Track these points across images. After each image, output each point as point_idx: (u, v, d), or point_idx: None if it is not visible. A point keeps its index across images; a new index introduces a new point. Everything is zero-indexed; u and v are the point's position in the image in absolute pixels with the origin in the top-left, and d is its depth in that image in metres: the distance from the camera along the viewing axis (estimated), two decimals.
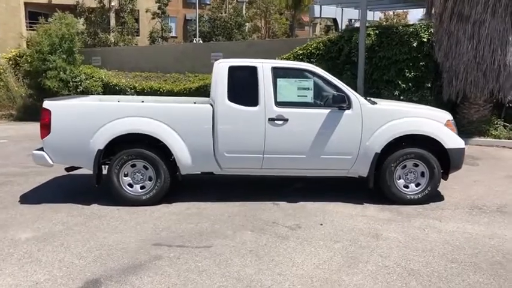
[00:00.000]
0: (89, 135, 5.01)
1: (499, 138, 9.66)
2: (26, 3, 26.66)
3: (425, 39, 10.50)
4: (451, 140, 5.19)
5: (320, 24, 38.52)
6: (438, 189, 5.36)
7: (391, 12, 31.51)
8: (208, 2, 33.97)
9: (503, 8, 9.09)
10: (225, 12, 29.32)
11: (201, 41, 24.89)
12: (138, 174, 5.16)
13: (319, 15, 16.66)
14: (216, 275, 3.45)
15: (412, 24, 11.25)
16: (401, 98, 10.33)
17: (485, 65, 9.39)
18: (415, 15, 73.80)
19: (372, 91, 10.57)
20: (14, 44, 20.04)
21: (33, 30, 19.67)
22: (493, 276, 3.45)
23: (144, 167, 5.14)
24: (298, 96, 5.27)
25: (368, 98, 5.57)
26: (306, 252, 3.88)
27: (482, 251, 3.92)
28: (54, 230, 4.40)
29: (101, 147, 5.00)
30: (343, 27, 15.81)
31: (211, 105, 5.16)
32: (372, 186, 5.24)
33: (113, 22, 26.05)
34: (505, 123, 10.02)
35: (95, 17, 24.62)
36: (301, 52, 11.86)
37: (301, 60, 11.32)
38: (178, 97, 9.51)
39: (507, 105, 10.04)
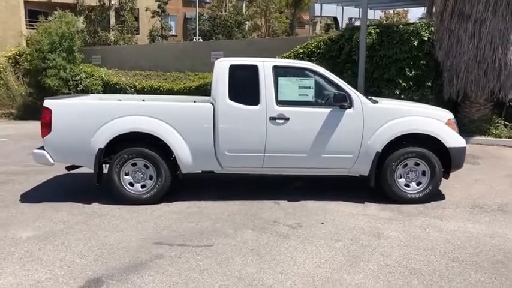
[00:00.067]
0: (90, 134, 5.00)
1: (500, 137, 9.66)
2: (25, 2, 26.62)
3: (426, 38, 10.48)
4: (452, 139, 5.19)
5: (320, 22, 38.52)
6: (439, 188, 5.36)
7: (391, 11, 31.49)
8: (208, 1, 33.93)
9: (504, 7, 9.08)
10: (225, 11, 29.29)
11: (201, 40, 24.88)
12: (138, 173, 5.15)
13: (319, 14, 16.64)
14: (217, 274, 3.45)
15: (413, 23, 11.23)
16: (402, 96, 10.32)
17: (486, 63, 9.38)
18: (415, 13, 73.85)
19: (373, 90, 10.55)
20: (14, 42, 20.02)
21: (33, 28, 19.66)
22: (495, 275, 3.45)
23: (145, 165, 5.14)
24: (299, 95, 5.25)
25: (369, 97, 5.56)
26: (307, 251, 3.88)
27: (483, 250, 3.91)
28: (55, 229, 4.39)
29: (102, 146, 4.99)
30: (344, 25, 15.80)
31: (212, 104, 5.15)
32: (373, 185, 5.24)
33: (112, 21, 26.02)
34: (506, 122, 10.01)
35: (94, 15, 24.57)
36: (301, 51, 11.83)
37: (302, 58, 11.30)
38: (179, 96, 9.51)
39: (508, 104, 10.04)
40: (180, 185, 5.59)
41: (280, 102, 5.12)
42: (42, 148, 5.16)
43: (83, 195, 5.42)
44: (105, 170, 5.26)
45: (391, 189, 5.19)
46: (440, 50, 9.96)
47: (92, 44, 22.57)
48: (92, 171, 5.10)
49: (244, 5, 31.94)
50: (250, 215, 4.81)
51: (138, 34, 28.56)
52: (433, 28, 10.47)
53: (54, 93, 13.01)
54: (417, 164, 5.21)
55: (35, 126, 9.22)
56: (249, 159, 5.20)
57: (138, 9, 28.52)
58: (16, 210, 4.99)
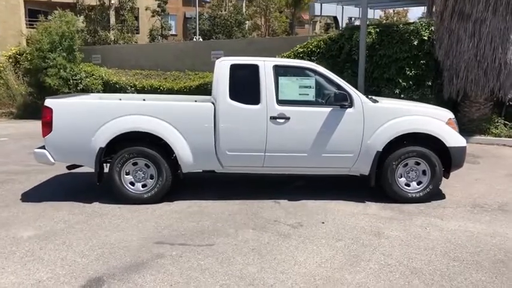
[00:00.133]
0: (91, 133, 5.00)
1: (500, 137, 9.67)
2: (25, 1, 26.63)
3: (426, 38, 10.48)
4: (452, 138, 5.19)
5: (320, 22, 38.52)
6: (440, 187, 5.37)
7: (391, 10, 31.49)
8: (208, 0, 33.92)
9: (504, 7, 9.08)
10: (225, 10, 29.28)
11: (201, 39, 24.89)
12: (139, 172, 5.16)
13: (319, 13, 16.63)
14: (218, 273, 3.46)
15: (413, 23, 11.24)
16: (402, 96, 10.33)
17: (486, 63, 9.39)
18: (415, 13, 73.82)
19: (373, 89, 10.56)
20: (14, 42, 20.01)
21: (33, 28, 19.65)
22: (496, 275, 3.45)
23: (146, 165, 5.14)
24: (299, 94, 5.26)
25: (369, 96, 5.56)
26: (308, 251, 3.89)
27: (484, 250, 3.92)
28: (56, 228, 4.40)
29: (103, 145, 5.00)
30: (344, 25, 15.80)
31: (213, 103, 5.15)
32: (373, 184, 5.24)
33: (112, 20, 26.01)
34: (506, 122, 10.02)
35: (94, 14, 24.56)
36: (301, 50, 11.84)
37: (302, 58, 11.31)
38: (179, 95, 9.51)
39: (507, 103, 10.05)
40: (180, 185, 5.59)
41: (280, 102, 5.13)
42: (43, 147, 5.16)
43: (84, 194, 5.42)
44: (106, 170, 5.26)
45: (392, 189, 5.19)
46: (440, 49, 9.97)
47: (92, 43, 22.58)
48: (92, 170, 5.10)
49: (244, 5, 31.93)
50: (251, 215, 4.81)
51: (138, 33, 28.57)
52: (433, 28, 10.48)
53: (54, 92, 13.01)
54: (417, 164, 5.22)
55: (35, 125, 9.23)
56: (250, 159, 5.20)
57: (138, 8, 28.52)
58: (17, 209, 4.99)
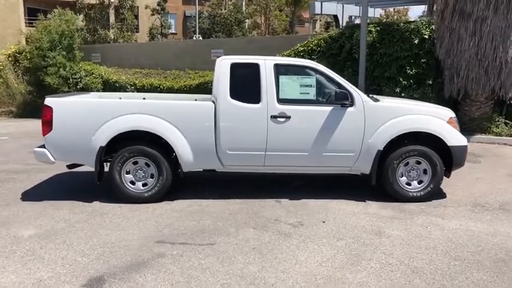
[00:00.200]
0: (91, 132, 4.99)
1: (500, 136, 9.66)
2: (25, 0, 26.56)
3: (426, 36, 10.46)
4: (453, 137, 5.19)
5: (320, 21, 38.46)
6: (441, 186, 5.36)
7: (391, 9, 31.45)
8: None
9: (506, 5, 9.06)
10: (225, 9, 29.23)
11: (200, 38, 24.87)
12: (140, 171, 5.15)
13: (319, 12, 16.63)
14: (219, 273, 3.45)
15: (414, 21, 11.22)
16: (403, 95, 10.30)
17: (486, 62, 9.37)
18: (415, 11, 73.75)
19: (373, 88, 10.54)
20: (13, 40, 19.95)
21: (32, 26, 19.62)
22: (497, 274, 3.45)
23: (146, 164, 5.13)
24: (300, 93, 5.25)
25: (370, 95, 5.55)
26: (309, 250, 3.88)
27: (485, 249, 3.91)
28: (56, 227, 4.39)
29: (103, 144, 4.99)
30: (344, 24, 15.78)
31: (214, 102, 5.14)
32: (374, 183, 5.23)
33: (112, 18, 25.96)
34: (507, 121, 10.01)
35: (94, 13, 24.51)
36: (302, 49, 11.82)
37: (302, 57, 11.29)
38: (179, 94, 9.49)
39: (508, 102, 10.03)
40: (181, 184, 5.59)
41: (281, 101, 5.12)
42: (43, 146, 5.16)
43: (84, 193, 5.41)
44: (106, 169, 5.25)
45: (393, 188, 5.19)
46: (441, 48, 9.95)
47: (92, 42, 22.54)
48: (93, 169, 5.10)
49: (244, 3, 31.85)
50: (251, 214, 4.81)
51: (137, 32, 28.52)
52: (433, 26, 10.45)
53: (54, 91, 12.99)
54: (418, 163, 5.21)
55: (35, 124, 9.23)
56: (250, 158, 5.19)
57: (138, 7, 28.48)
58: (17, 208, 4.99)
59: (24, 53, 15.44)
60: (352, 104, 5.11)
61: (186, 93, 11.08)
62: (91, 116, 5.05)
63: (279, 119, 5.08)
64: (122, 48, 19.33)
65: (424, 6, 15.00)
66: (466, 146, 5.29)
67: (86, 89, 13.99)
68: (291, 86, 5.25)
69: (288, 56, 11.55)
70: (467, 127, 9.37)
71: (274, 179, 6.16)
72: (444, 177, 5.30)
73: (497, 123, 9.96)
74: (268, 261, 3.65)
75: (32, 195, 5.51)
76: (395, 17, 31.32)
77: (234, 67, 5.19)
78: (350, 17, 17.87)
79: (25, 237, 4.14)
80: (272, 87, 5.11)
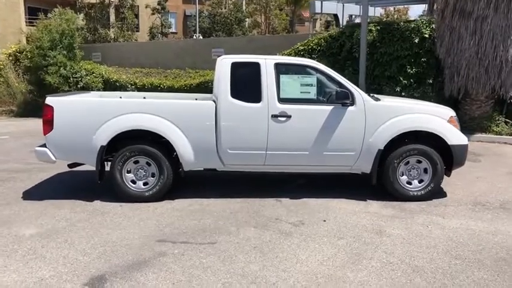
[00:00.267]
0: (92, 131, 5.00)
1: (501, 135, 9.67)
2: None
3: (426, 35, 10.47)
4: (454, 136, 5.19)
5: (320, 20, 38.41)
6: (441, 185, 5.37)
7: (391, 8, 31.43)
8: None
9: (506, 4, 9.06)
10: (225, 8, 29.23)
11: (201, 37, 24.85)
12: (141, 170, 5.16)
13: (319, 11, 16.61)
14: (220, 272, 3.46)
15: (414, 20, 11.22)
16: (403, 94, 10.31)
17: (487, 61, 9.38)
18: (415, 11, 73.69)
19: (374, 87, 10.54)
20: (14, 39, 19.97)
21: (32, 25, 19.63)
22: (498, 273, 3.45)
23: (147, 163, 5.14)
24: (301, 92, 5.25)
25: (371, 95, 5.56)
26: (310, 249, 3.89)
27: (486, 248, 3.92)
28: (57, 227, 4.40)
29: (104, 143, 4.99)
30: (344, 23, 15.78)
31: (214, 101, 5.14)
32: (375, 182, 5.24)
33: (112, 18, 25.98)
34: (507, 120, 10.02)
35: (94, 12, 24.53)
36: (302, 48, 11.82)
37: (303, 56, 11.30)
38: (180, 93, 9.48)
39: (509, 101, 10.04)
40: (182, 183, 5.59)
41: (282, 100, 5.12)
42: (44, 146, 5.16)
43: (85, 192, 5.42)
44: (107, 168, 5.25)
45: (393, 187, 5.19)
46: (441, 47, 9.95)
47: (92, 41, 22.55)
48: (94, 168, 5.11)
49: (244, 2, 31.84)
50: (252, 213, 4.81)
51: (138, 31, 28.52)
52: (434, 25, 10.46)
53: (54, 90, 12.99)
54: (419, 162, 5.22)
55: (36, 123, 9.23)
56: (251, 157, 5.20)
57: (138, 6, 28.48)
58: (18, 207, 4.99)
59: (24, 52, 15.44)
60: (352, 103, 5.12)
61: (187, 93, 11.07)
62: (92, 115, 5.06)
63: (279, 118, 5.08)
64: (122, 47, 19.34)
65: (424, 5, 14.99)
66: (467, 145, 5.29)
67: (86, 88, 14.01)
68: (292, 85, 5.25)
69: (288, 55, 11.56)
70: (467, 126, 9.37)
71: (275, 178, 6.16)
72: (445, 176, 5.31)
73: (498, 122, 9.96)
74: (269, 260, 3.66)
75: (33, 194, 5.52)
76: (395, 16, 31.30)
77: (235, 66, 5.19)
78: (350, 16, 17.87)
79: (26, 236, 4.15)
80: (273, 86, 5.11)
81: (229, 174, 5.81)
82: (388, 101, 5.56)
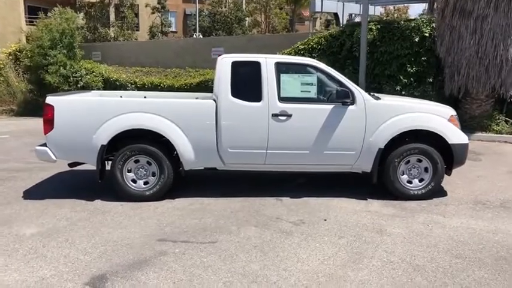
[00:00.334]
0: (92, 130, 5.00)
1: (501, 134, 9.68)
2: None
3: (427, 34, 10.47)
4: (454, 135, 5.19)
5: (320, 19, 38.39)
6: (441, 184, 5.37)
7: (391, 7, 31.41)
8: None
9: (506, 3, 9.07)
10: (225, 7, 29.19)
11: (201, 36, 24.82)
12: (141, 169, 5.16)
13: (320, 10, 16.61)
14: (221, 271, 3.46)
15: (414, 19, 11.22)
16: (403, 93, 10.32)
17: (487, 60, 9.38)
18: (416, 10, 73.62)
19: (374, 86, 10.55)
20: (14, 38, 19.93)
21: (32, 25, 19.59)
22: (498, 272, 3.45)
23: (148, 162, 5.14)
24: (301, 91, 5.25)
25: (371, 94, 5.56)
26: (310, 248, 3.89)
27: (486, 247, 3.92)
28: (58, 226, 4.40)
29: (104, 142, 4.99)
30: (344, 22, 15.77)
31: (215, 100, 5.14)
32: (375, 181, 5.24)
33: (112, 17, 25.96)
34: (507, 118, 10.02)
35: (94, 11, 24.52)
36: (302, 47, 11.83)
37: (303, 55, 11.30)
38: (180, 92, 9.49)
39: (509, 100, 10.05)
40: (182, 182, 5.59)
41: (282, 99, 5.12)
42: (44, 145, 5.16)
43: (86, 192, 5.42)
44: (108, 167, 5.25)
45: (394, 186, 5.19)
46: (442, 46, 9.95)
47: (92, 40, 22.54)
48: (94, 168, 5.11)
49: (244, 1, 31.80)
50: (253, 212, 4.81)
51: (138, 30, 28.49)
52: (434, 24, 10.46)
53: (54, 90, 12.99)
54: (419, 161, 5.22)
55: (36, 122, 9.22)
56: (252, 156, 5.20)
57: (138, 5, 28.45)
58: (19, 206, 5.00)
59: (24, 52, 15.43)
60: (353, 102, 5.12)
61: (187, 92, 11.07)
62: (92, 115, 5.06)
63: (280, 117, 5.08)
64: (123, 46, 19.33)
65: (424, 4, 14.98)
66: (467, 144, 5.29)
67: (86, 88, 14.00)
68: (292, 84, 5.25)
69: (288, 54, 11.56)
70: (467, 125, 9.37)
71: (276, 177, 6.16)
72: (445, 175, 5.31)
73: (498, 121, 9.97)
74: (270, 259, 3.66)
75: (33, 193, 5.52)
76: (395, 15, 31.29)
77: (235, 65, 5.19)
78: (350, 15, 17.85)
79: (27, 235, 4.15)
80: (273, 85, 5.11)
81: (230, 173, 5.81)
82: (388, 100, 5.56)
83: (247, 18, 30.67)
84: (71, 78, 14.32)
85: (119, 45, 20.09)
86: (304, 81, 5.26)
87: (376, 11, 18.17)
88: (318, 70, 5.28)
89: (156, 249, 3.86)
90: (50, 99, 5.11)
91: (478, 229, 4.34)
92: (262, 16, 35.54)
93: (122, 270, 3.47)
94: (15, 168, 6.90)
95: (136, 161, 5.14)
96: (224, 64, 5.21)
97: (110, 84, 14.68)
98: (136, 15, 28.56)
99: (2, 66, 16.13)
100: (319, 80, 5.26)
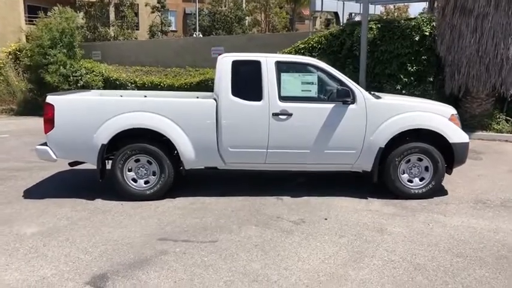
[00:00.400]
0: (93, 130, 5.00)
1: (501, 133, 9.67)
2: None
3: (427, 33, 10.46)
4: (455, 134, 5.19)
5: (320, 18, 38.36)
6: (442, 183, 5.36)
7: (391, 6, 31.40)
8: None
9: (507, 2, 9.06)
10: (225, 6, 29.17)
11: (201, 35, 24.80)
12: (142, 169, 5.15)
13: (319, 9, 16.60)
14: (222, 270, 3.46)
15: (414, 18, 11.20)
16: (403, 92, 10.31)
17: (487, 58, 9.37)
18: (416, 9, 73.56)
19: (374, 85, 10.54)
20: (14, 38, 19.92)
21: (32, 24, 19.57)
22: (499, 271, 3.45)
23: (148, 161, 5.14)
24: (302, 90, 5.25)
25: (372, 93, 5.56)
26: (311, 247, 3.89)
27: (487, 246, 3.92)
28: (59, 225, 4.40)
29: (105, 142, 4.99)
30: (344, 21, 15.76)
31: (215, 100, 5.14)
32: (376, 180, 5.23)
33: (112, 16, 25.92)
34: (507, 117, 10.02)
35: (94, 11, 24.48)
36: (302, 46, 11.82)
37: (303, 54, 11.30)
38: (181, 92, 9.49)
39: (509, 99, 10.03)
40: (183, 181, 5.59)
41: (283, 98, 5.11)
42: (45, 144, 5.16)
43: (86, 191, 5.42)
44: (108, 166, 5.25)
45: (394, 185, 5.19)
46: (442, 45, 9.95)
47: (92, 39, 22.51)
48: (95, 167, 5.10)
49: (244, 0, 31.78)
50: (253, 211, 4.81)
51: (138, 29, 28.46)
52: (434, 23, 10.45)
53: (54, 89, 12.98)
54: (420, 160, 5.21)
55: (36, 122, 9.22)
56: (252, 155, 5.19)
57: (138, 4, 28.42)
58: (20, 206, 4.99)
59: (24, 51, 15.42)
60: (353, 101, 5.11)
61: (187, 91, 11.07)
62: (93, 114, 5.05)
63: (280, 116, 5.08)
64: (122, 45, 19.31)
65: (424, 3, 14.98)
66: (468, 142, 5.28)
67: (86, 87, 14.00)
68: (293, 83, 5.25)
69: (288, 53, 11.56)
70: (468, 124, 9.37)
71: (276, 176, 6.16)
72: (446, 174, 5.30)
73: (498, 120, 9.96)
74: (270, 259, 3.66)
75: (34, 193, 5.52)
76: (395, 14, 31.27)
77: (236, 64, 5.19)
78: (350, 14, 17.84)
79: (28, 234, 4.15)
80: (274, 84, 5.10)
81: (230, 172, 5.81)
82: (389, 99, 5.55)
83: (247, 18, 30.66)
84: (71, 78, 14.32)
85: (119, 44, 20.08)
86: (304, 81, 5.26)
87: (376, 10, 18.16)
88: (318, 69, 5.27)
89: (156, 248, 3.86)
90: (50, 99, 5.11)
91: (478, 228, 4.34)
92: (262, 15, 35.51)
93: (122, 269, 3.47)
94: (15, 167, 6.89)
95: (137, 160, 5.13)
96: (225, 63, 5.20)
97: (109, 84, 14.69)
98: (136, 14, 28.54)
99: (2, 65, 16.13)
100: (319, 79, 5.26)
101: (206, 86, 12.37)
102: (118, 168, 5.07)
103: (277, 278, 3.33)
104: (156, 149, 5.08)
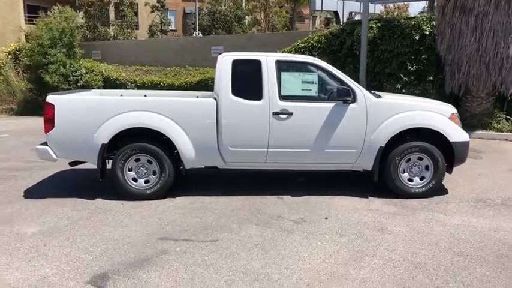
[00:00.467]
0: (93, 129, 4.99)
1: (502, 132, 9.67)
2: None
3: (427, 32, 10.46)
4: (455, 133, 5.19)
5: (320, 17, 38.36)
6: (442, 182, 5.36)
7: (391, 5, 31.38)
8: None
9: (507, 1, 9.05)
10: (225, 6, 29.15)
11: (200, 35, 24.79)
12: (142, 168, 5.15)
13: (319, 8, 16.59)
14: (223, 269, 3.46)
15: (414, 17, 11.20)
16: (403, 91, 10.31)
17: (488, 57, 9.37)
18: (416, 8, 73.58)
19: (374, 84, 10.55)
20: (13, 37, 19.91)
21: (32, 24, 19.55)
22: (500, 269, 3.45)
23: (148, 161, 5.14)
24: (302, 89, 5.25)
25: (372, 92, 5.55)
26: (311, 246, 3.89)
27: (488, 244, 3.92)
28: (59, 225, 4.40)
29: (105, 141, 4.99)
30: (344, 20, 15.75)
31: (215, 99, 5.13)
32: (376, 179, 5.23)
33: (112, 15, 25.90)
34: (508, 116, 10.01)
35: (94, 10, 24.44)
36: (302, 45, 11.82)
37: (303, 53, 11.29)
38: (181, 91, 9.49)
39: (509, 98, 10.04)
40: (183, 181, 5.59)
41: (283, 97, 5.11)
42: (45, 144, 5.16)
43: (87, 190, 5.42)
44: (109, 166, 5.25)
45: (395, 184, 5.19)
46: (442, 44, 9.95)
47: (92, 39, 22.49)
48: (95, 167, 5.10)
49: (243, 0, 31.75)
50: (254, 210, 4.81)
51: (137, 29, 28.44)
52: (434, 22, 10.45)
53: (54, 89, 12.97)
54: (420, 159, 5.21)
55: (36, 121, 9.23)
56: (252, 155, 5.19)
57: (138, 4, 28.40)
58: (20, 205, 4.99)
59: (24, 51, 15.42)
60: (354, 101, 5.11)
61: (187, 90, 11.08)
62: (93, 113, 5.05)
63: (280, 115, 5.08)
64: (122, 45, 19.30)
65: (424, 2, 14.98)
66: (468, 142, 5.29)
67: (86, 87, 13.99)
68: (293, 82, 5.25)
69: (288, 52, 11.55)
70: (468, 123, 9.37)
71: (277, 175, 6.16)
72: (446, 173, 5.30)
73: (498, 119, 9.96)
74: (271, 258, 3.66)
75: (34, 192, 5.52)
76: (395, 13, 31.26)
77: (236, 64, 5.18)
78: (350, 13, 17.84)
79: (28, 234, 4.15)
80: (274, 83, 5.10)
81: (231, 172, 5.81)
82: (389, 98, 5.55)
83: (247, 17, 30.63)
84: (71, 77, 14.32)
85: (119, 44, 20.07)
86: (304, 80, 5.26)
87: (376, 9, 18.16)
88: (318, 68, 5.27)
89: (157, 247, 3.86)
90: (50, 98, 5.11)
91: (479, 227, 4.34)
92: (261, 14, 35.45)
93: (123, 268, 3.47)
94: (15, 167, 6.89)
95: (137, 160, 5.13)
96: (225, 62, 5.20)
97: (109, 83, 14.68)
98: (136, 13, 28.51)
99: (1, 65, 16.13)
100: (319, 78, 5.26)
101: (206, 85, 12.37)
102: (118, 168, 5.07)
103: (278, 277, 3.33)
104: (157, 148, 5.08)
